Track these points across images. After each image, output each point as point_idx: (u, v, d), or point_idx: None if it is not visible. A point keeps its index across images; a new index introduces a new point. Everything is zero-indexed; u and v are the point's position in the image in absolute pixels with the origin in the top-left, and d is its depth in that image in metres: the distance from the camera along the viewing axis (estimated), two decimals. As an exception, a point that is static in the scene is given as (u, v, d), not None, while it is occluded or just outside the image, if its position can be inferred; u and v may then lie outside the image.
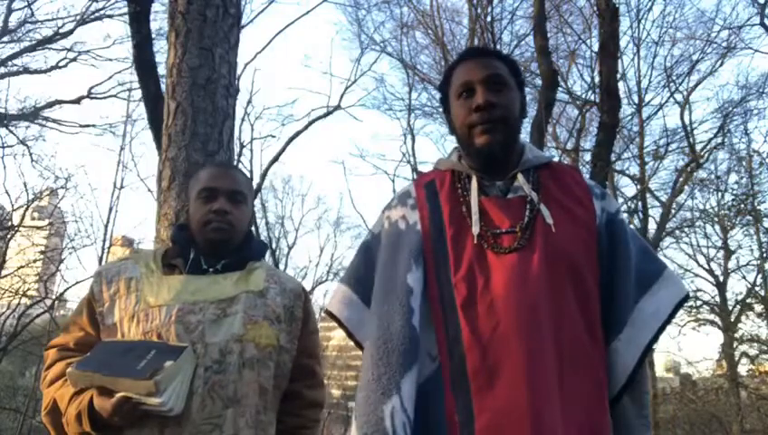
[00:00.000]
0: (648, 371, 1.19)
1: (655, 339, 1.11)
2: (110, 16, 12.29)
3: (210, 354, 1.33)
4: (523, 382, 1.02)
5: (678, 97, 12.34)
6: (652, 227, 11.67)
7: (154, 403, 1.22)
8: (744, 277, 12.36)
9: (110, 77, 12.65)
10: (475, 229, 1.16)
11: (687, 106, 12.19)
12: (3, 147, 10.96)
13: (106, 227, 10.75)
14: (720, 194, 12.23)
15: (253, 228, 1.74)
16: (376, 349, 1.12)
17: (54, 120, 12.70)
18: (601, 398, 1.08)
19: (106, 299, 1.44)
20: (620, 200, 12.14)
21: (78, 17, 12.24)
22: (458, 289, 1.12)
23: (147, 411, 1.24)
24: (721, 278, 13.05)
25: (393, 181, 15.20)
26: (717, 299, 12.68)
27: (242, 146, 13.35)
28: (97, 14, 12.30)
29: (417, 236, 1.21)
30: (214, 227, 1.48)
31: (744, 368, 11.81)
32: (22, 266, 11.18)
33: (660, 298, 1.14)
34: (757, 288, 11.71)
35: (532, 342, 1.04)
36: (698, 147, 11.99)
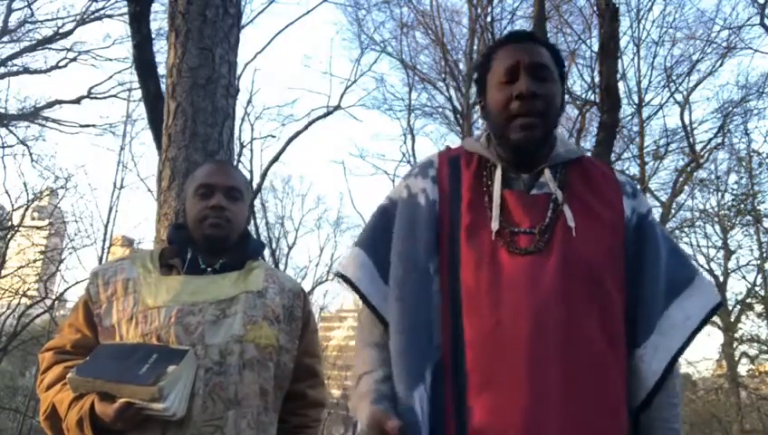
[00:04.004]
0: (679, 381, 1.14)
1: (685, 346, 1.06)
2: (110, 16, 12.33)
3: (210, 356, 1.32)
4: (518, 386, 1.00)
5: (678, 97, 12.35)
6: (652, 227, 11.63)
7: (157, 409, 1.21)
8: (743, 277, 12.36)
9: (110, 77, 12.71)
10: (495, 225, 1.11)
11: (687, 106, 12.20)
12: (3, 147, 11.01)
13: (106, 227, 10.80)
14: (720, 194, 12.24)
15: (251, 228, 1.74)
16: (399, 339, 1.11)
17: (54, 120, 12.74)
18: (617, 413, 1.04)
19: (103, 300, 1.42)
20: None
21: (78, 17, 12.27)
22: (465, 284, 1.10)
23: (149, 415, 1.24)
24: (721, 278, 13.04)
25: (393, 181, 15.21)
26: (717, 299, 12.66)
27: (242, 146, 13.35)
28: (97, 14, 12.34)
29: (436, 218, 1.17)
30: (211, 222, 1.47)
31: (744, 368, 11.82)
32: (22, 266, 11.20)
33: (692, 305, 1.09)
34: (757, 288, 11.71)
35: (533, 347, 1.02)
36: (698, 147, 12.01)
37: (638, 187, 1.25)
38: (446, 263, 1.13)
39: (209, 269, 1.47)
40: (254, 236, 1.66)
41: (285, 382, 1.47)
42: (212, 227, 1.47)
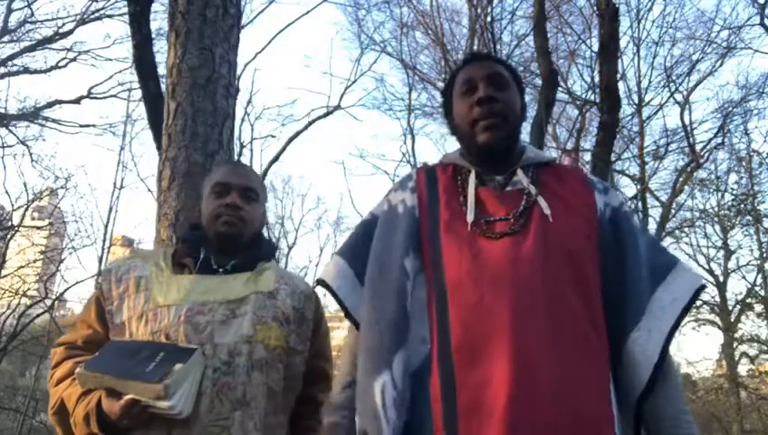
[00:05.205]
0: (672, 362, 1.16)
1: (676, 327, 1.09)
2: (110, 16, 12.31)
3: (219, 355, 1.33)
4: (505, 358, 1.01)
5: (678, 97, 12.31)
6: (652, 227, 11.65)
7: (163, 407, 1.21)
8: (743, 277, 12.36)
9: (110, 77, 12.66)
10: (470, 216, 1.17)
11: (687, 106, 12.18)
12: (3, 147, 10.98)
13: (106, 227, 10.77)
14: (720, 194, 12.23)
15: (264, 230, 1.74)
16: (369, 330, 1.15)
17: (54, 120, 12.71)
18: (603, 387, 1.06)
19: (115, 297, 1.43)
20: (620, 200, 12.12)
21: (78, 17, 12.25)
22: (447, 271, 1.13)
23: (155, 413, 1.24)
24: (721, 278, 13.04)
25: (393, 181, 15.17)
26: (717, 299, 12.66)
27: (242, 146, 13.35)
28: (97, 14, 12.31)
29: (415, 220, 1.23)
30: (224, 220, 1.48)
31: (744, 368, 11.82)
32: (22, 266, 11.18)
33: (677, 287, 1.12)
34: (757, 288, 11.71)
35: (518, 319, 1.04)
36: (698, 147, 11.99)
37: (609, 186, 1.30)
38: (429, 259, 1.18)
39: (221, 270, 1.48)
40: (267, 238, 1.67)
41: (297, 384, 1.47)
42: (225, 224, 1.48)
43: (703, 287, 1.15)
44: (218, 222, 1.49)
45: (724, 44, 11.57)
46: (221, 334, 1.35)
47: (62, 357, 1.43)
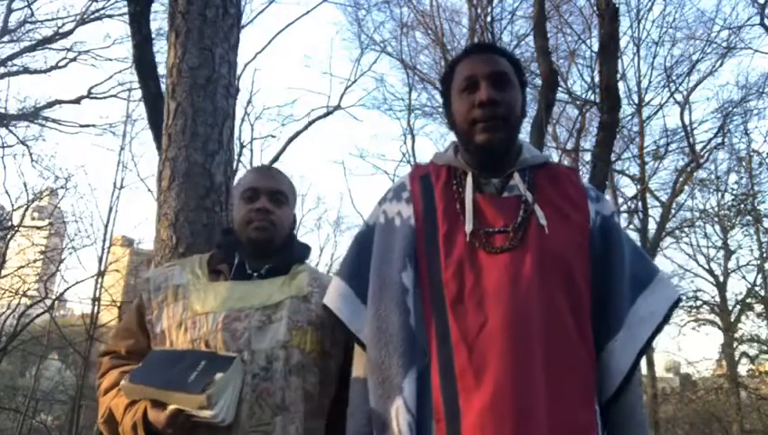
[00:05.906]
0: (641, 371, 1.23)
1: (651, 341, 1.13)
2: (110, 16, 12.31)
3: (257, 361, 1.34)
4: (508, 381, 1.03)
5: (678, 97, 12.33)
6: (652, 227, 11.68)
7: (207, 416, 1.23)
8: (743, 277, 12.36)
9: (110, 77, 12.66)
10: (468, 227, 1.16)
11: (687, 106, 12.19)
12: (3, 147, 10.98)
13: (106, 227, 10.74)
14: (720, 194, 12.25)
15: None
16: (377, 351, 1.15)
17: (54, 120, 12.72)
18: (588, 397, 1.09)
19: (155, 307, 1.47)
20: (620, 200, 12.18)
21: (78, 17, 12.25)
22: (448, 287, 1.13)
23: (199, 422, 1.26)
24: (721, 278, 13.05)
25: (393, 181, 15.14)
26: (717, 299, 12.67)
27: (242, 146, 13.33)
28: (97, 14, 12.31)
29: (411, 231, 1.22)
30: (255, 225, 1.50)
31: (744, 368, 11.81)
32: (22, 266, 11.19)
33: (655, 300, 1.16)
34: (757, 288, 11.71)
35: (520, 341, 1.05)
36: (698, 147, 12.00)
37: (602, 193, 1.32)
38: (426, 272, 1.17)
39: (255, 274, 1.49)
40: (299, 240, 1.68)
41: (331, 389, 1.47)
42: (257, 230, 1.50)
43: (679, 301, 1.18)
44: (249, 227, 1.50)
45: (724, 44, 11.60)
46: (258, 341, 1.36)
47: (107, 367, 1.47)
